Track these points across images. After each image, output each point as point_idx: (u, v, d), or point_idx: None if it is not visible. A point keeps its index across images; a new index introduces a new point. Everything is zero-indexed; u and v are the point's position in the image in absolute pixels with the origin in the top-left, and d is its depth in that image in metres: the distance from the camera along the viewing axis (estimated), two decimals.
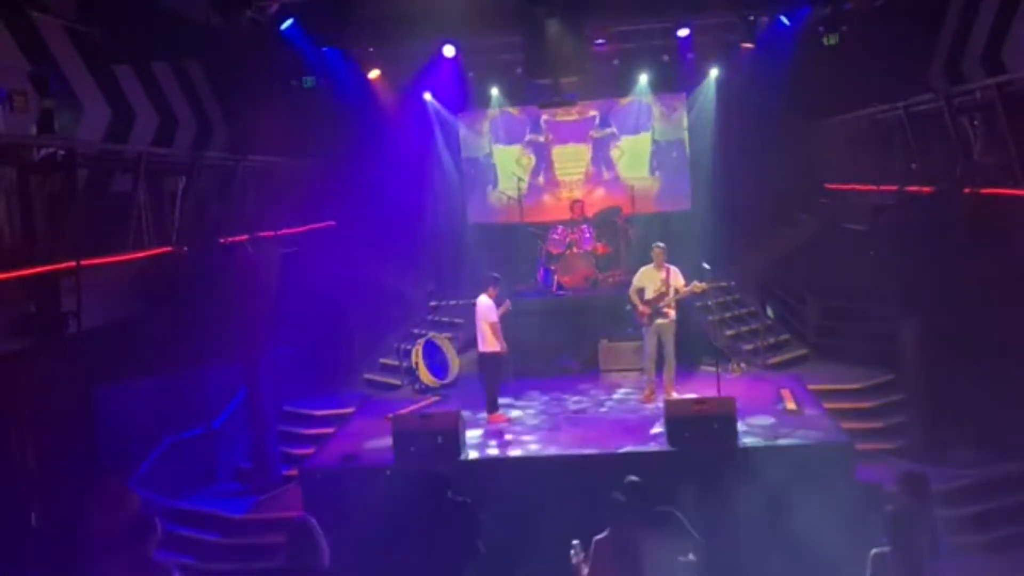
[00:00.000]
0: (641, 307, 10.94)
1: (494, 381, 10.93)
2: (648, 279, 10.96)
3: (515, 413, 11.16)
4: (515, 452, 9.84)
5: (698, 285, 10.82)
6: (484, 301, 10.77)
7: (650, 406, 10.95)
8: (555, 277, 14.02)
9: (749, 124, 14.28)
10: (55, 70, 9.89)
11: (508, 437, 10.31)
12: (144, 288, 8.79)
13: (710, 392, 10.28)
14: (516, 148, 16.10)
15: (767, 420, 10.12)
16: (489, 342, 10.67)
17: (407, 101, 15.26)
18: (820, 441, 9.39)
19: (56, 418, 8.16)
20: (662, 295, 10.80)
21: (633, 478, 6.35)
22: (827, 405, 10.70)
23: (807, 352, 13.16)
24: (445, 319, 14.27)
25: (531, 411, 11.28)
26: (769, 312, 14.00)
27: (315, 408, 12.43)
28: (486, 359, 10.87)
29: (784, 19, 13.16)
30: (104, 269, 8.00)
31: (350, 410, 12.01)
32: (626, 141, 15.89)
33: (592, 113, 15.85)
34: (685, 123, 15.74)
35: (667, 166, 15.83)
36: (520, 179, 15.62)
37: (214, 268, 9.51)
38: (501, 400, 11.12)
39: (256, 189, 11.63)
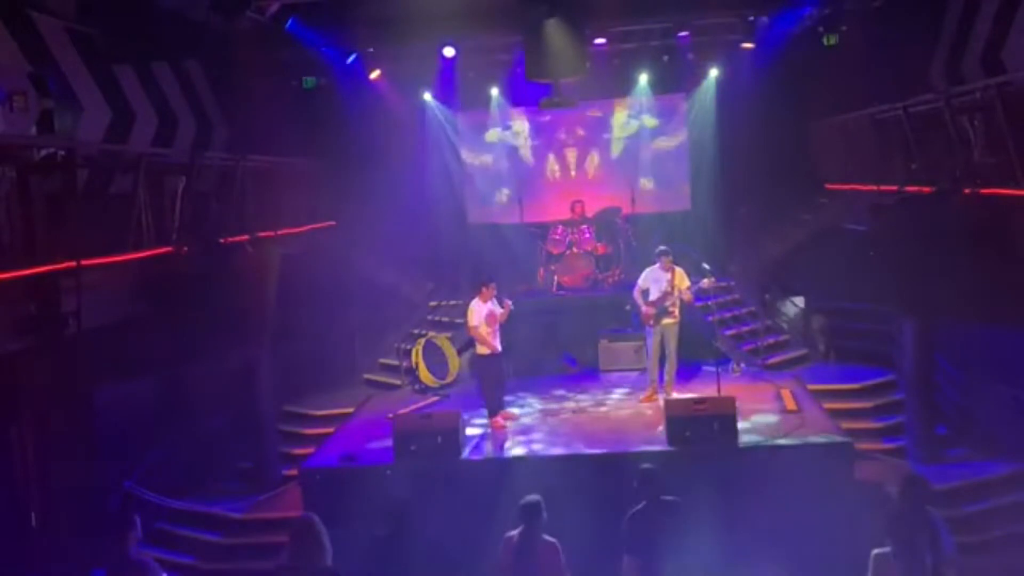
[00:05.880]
0: (645, 308, 10.94)
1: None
2: (653, 280, 10.95)
3: (515, 411, 11.13)
4: (515, 452, 9.82)
5: (706, 281, 10.81)
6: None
7: (651, 406, 10.94)
8: (555, 277, 14.02)
9: (749, 124, 14.26)
10: (55, 70, 9.88)
11: (508, 437, 10.28)
12: (144, 288, 8.78)
13: (710, 392, 10.28)
14: (516, 148, 16.08)
15: (767, 420, 10.11)
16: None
17: (407, 101, 15.27)
18: (820, 441, 9.39)
19: (56, 418, 8.16)
20: (666, 295, 10.80)
21: (647, 466, 6.79)
22: (827, 405, 10.69)
23: (807, 352, 13.16)
24: (445, 319, 14.26)
25: (531, 411, 11.26)
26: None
27: (315, 408, 12.43)
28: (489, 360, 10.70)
29: (784, 19, 13.16)
30: (104, 269, 7.99)
31: (350, 410, 12.01)
32: (626, 141, 15.89)
33: (592, 113, 15.83)
34: (685, 123, 15.74)
35: (667, 166, 15.82)
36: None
37: (214, 268, 9.49)
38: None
39: (256, 189, 11.62)
